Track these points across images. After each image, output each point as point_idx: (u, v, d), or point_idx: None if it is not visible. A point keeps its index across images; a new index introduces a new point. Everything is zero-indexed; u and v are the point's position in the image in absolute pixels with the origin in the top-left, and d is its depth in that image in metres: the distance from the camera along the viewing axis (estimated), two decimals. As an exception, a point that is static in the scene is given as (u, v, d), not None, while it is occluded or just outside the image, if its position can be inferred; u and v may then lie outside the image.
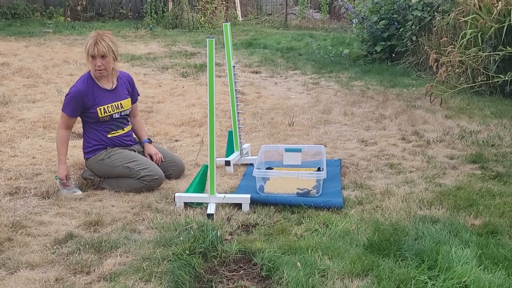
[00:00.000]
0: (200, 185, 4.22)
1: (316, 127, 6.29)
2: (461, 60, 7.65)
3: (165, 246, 3.38)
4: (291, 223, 3.79)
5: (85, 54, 4.38)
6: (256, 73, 9.73)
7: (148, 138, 4.86)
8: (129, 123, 4.72)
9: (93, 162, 4.50)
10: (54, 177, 4.50)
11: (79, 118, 4.56)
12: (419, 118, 6.60)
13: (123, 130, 4.62)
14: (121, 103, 4.56)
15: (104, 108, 4.45)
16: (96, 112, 4.42)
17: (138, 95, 4.89)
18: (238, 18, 17.23)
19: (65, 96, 4.43)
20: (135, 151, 4.64)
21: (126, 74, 4.77)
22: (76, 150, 5.27)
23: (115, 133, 4.56)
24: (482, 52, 7.46)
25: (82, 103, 4.38)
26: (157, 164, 4.56)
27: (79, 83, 4.43)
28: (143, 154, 4.70)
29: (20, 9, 16.29)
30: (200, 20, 15.61)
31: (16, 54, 10.55)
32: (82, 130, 4.66)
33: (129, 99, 4.68)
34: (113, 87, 4.55)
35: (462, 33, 7.74)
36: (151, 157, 4.67)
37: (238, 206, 4.04)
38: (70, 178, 4.44)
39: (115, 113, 4.52)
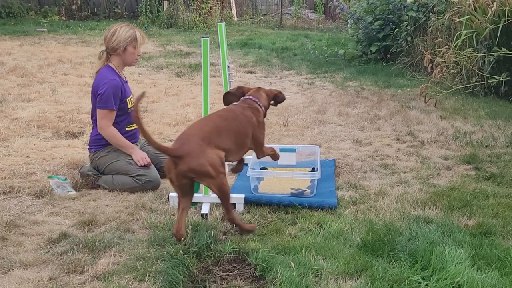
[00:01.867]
0: (194, 185, 4.21)
1: (310, 127, 6.29)
2: (456, 61, 7.67)
3: (159, 246, 3.38)
4: (285, 223, 3.79)
5: (124, 45, 4.46)
6: (251, 73, 9.74)
7: None
8: None
9: (100, 154, 4.51)
10: (47, 177, 4.49)
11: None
12: (413, 118, 6.61)
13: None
14: (133, 95, 4.67)
15: (130, 99, 4.55)
16: (126, 103, 4.51)
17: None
18: (233, 18, 17.23)
19: (100, 94, 4.38)
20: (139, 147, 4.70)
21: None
22: (70, 149, 5.26)
23: (132, 126, 4.61)
24: (477, 53, 7.48)
25: (120, 94, 4.45)
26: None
27: (111, 75, 4.46)
28: (143, 145, 4.74)
29: (14, 8, 16.25)
30: (195, 20, 15.61)
31: (10, 53, 10.52)
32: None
33: None
34: (126, 79, 4.68)
35: (457, 34, 7.76)
36: None
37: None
38: (66, 179, 4.43)
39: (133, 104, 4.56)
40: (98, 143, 4.53)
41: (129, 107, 4.52)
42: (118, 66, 4.57)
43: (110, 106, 4.40)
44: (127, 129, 4.59)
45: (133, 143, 4.61)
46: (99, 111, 4.43)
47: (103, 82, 4.41)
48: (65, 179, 4.44)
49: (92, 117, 4.63)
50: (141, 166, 4.42)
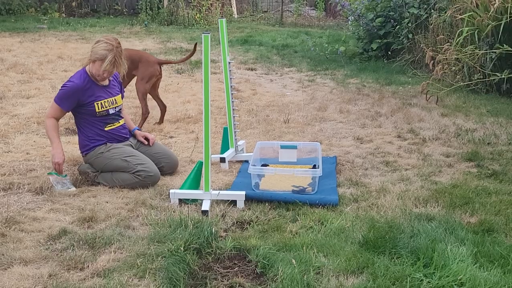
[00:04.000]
0: (195, 182, 4.20)
1: (311, 124, 6.27)
2: (458, 58, 7.64)
3: (160, 243, 3.36)
4: (286, 220, 3.77)
5: (94, 58, 4.38)
6: (252, 70, 9.71)
7: (136, 127, 4.95)
8: (122, 117, 4.74)
9: (92, 156, 4.50)
10: (47, 173, 4.47)
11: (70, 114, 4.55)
12: (415, 116, 6.59)
13: (119, 122, 4.66)
14: (115, 99, 4.61)
15: (101, 103, 4.47)
16: (93, 107, 4.44)
17: (123, 94, 4.93)
18: (233, 15, 17.20)
19: (61, 89, 4.44)
20: (133, 147, 4.66)
21: (115, 73, 4.77)
22: (70, 146, 5.24)
23: (112, 125, 4.58)
24: (479, 50, 7.45)
25: (78, 98, 4.40)
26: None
27: (76, 78, 4.44)
28: (138, 147, 4.72)
29: (14, 4, 16.21)
30: (196, 17, 15.57)
31: (10, 49, 10.49)
32: (75, 127, 4.62)
33: (120, 95, 4.73)
34: (107, 84, 4.60)
35: (458, 31, 7.73)
36: (147, 140, 4.76)
37: (233, 203, 4.02)
38: (66, 176, 4.41)
39: (111, 108, 4.55)
40: (87, 146, 4.52)
41: (97, 111, 4.46)
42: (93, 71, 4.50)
43: (61, 104, 4.42)
44: (106, 129, 4.54)
45: (119, 141, 4.60)
46: (52, 102, 4.46)
47: (68, 80, 4.47)
48: (65, 175, 4.42)
49: (75, 122, 4.65)
50: (136, 161, 4.39)
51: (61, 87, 4.45)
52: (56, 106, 4.43)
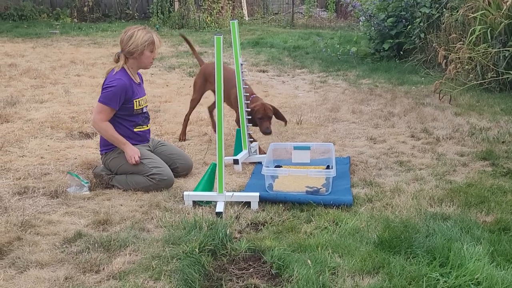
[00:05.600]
0: (208, 184, 4.20)
1: (324, 125, 6.26)
2: (470, 57, 7.60)
3: (174, 245, 3.37)
4: (301, 221, 3.76)
5: (140, 49, 4.42)
6: (263, 72, 9.71)
7: None
8: (149, 121, 4.81)
9: (111, 156, 4.51)
10: (67, 172, 4.52)
11: None
12: (428, 115, 6.55)
13: (147, 126, 4.72)
14: (146, 98, 4.69)
15: (139, 101, 4.53)
16: (133, 105, 4.49)
17: None
18: (244, 18, 17.22)
19: (105, 90, 4.40)
20: (150, 149, 4.69)
21: (140, 74, 4.80)
22: (84, 149, 5.27)
23: (141, 127, 4.62)
24: (492, 49, 7.41)
25: (125, 95, 4.42)
26: None
27: (121, 75, 4.44)
28: (155, 147, 4.76)
29: (27, 10, 16.35)
30: (207, 20, 15.61)
31: (23, 55, 10.58)
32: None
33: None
34: (139, 82, 4.67)
35: (471, 30, 7.70)
36: None
37: (247, 204, 4.02)
38: (88, 183, 4.41)
39: (144, 106, 4.62)
40: (109, 145, 4.52)
41: (135, 108, 4.51)
42: (131, 68, 4.56)
43: (110, 104, 4.39)
44: (135, 130, 4.58)
45: (143, 145, 4.61)
46: (99, 104, 4.40)
47: (113, 79, 4.41)
48: (87, 182, 4.41)
49: None
50: (151, 164, 4.40)
51: (105, 88, 4.41)
52: (106, 107, 4.38)
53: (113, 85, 4.38)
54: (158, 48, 4.55)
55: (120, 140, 4.44)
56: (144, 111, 4.63)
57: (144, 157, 4.47)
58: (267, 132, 5.01)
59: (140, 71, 4.72)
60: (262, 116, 5.00)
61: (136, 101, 4.50)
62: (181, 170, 4.68)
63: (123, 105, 4.45)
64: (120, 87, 4.38)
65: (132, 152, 4.42)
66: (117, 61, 4.55)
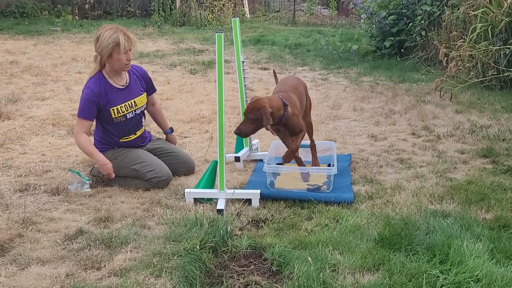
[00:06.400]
0: (209, 181, 4.21)
1: (325, 122, 6.27)
2: (471, 55, 7.60)
3: (175, 242, 3.38)
4: (301, 218, 3.77)
5: (109, 51, 4.14)
6: (265, 69, 9.71)
7: (171, 128, 4.92)
8: (143, 125, 4.62)
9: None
10: (68, 169, 4.51)
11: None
12: (429, 113, 6.56)
13: (135, 134, 4.51)
14: (134, 101, 4.44)
15: (117, 109, 4.32)
16: (109, 113, 4.29)
17: (155, 90, 4.80)
18: (245, 15, 17.21)
19: (80, 101, 4.27)
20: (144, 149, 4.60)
21: (140, 70, 4.64)
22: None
23: (127, 138, 4.47)
24: (493, 46, 7.41)
25: (97, 103, 4.22)
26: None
27: (91, 83, 4.26)
28: (157, 148, 4.66)
29: (28, 8, 16.34)
30: (208, 17, 15.60)
31: (24, 52, 10.58)
32: (93, 127, 4.54)
33: (144, 95, 4.55)
34: (126, 84, 4.41)
35: (472, 27, 7.68)
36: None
37: (248, 201, 4.03)
38: (89, 180, 4.40)
39: (128, 112, 4.39)
40: (99, 146, 4.41)
41: (113, 117, 4.32)
42: (109, 71, 4.33)
43: (82, 115, 4.22)
44: (121, 141, 4.44)
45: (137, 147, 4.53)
46: (77, 118, 4.28)
47: (84, 88, 4.26)
48: (89, 179, 4.41)
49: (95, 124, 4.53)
50: (145, 169, 4.31)
51: (80, 97, 4.27)
52: (80, 119, 4.24)
53: (81, 96, 4.24)
54: (126, 49, 4.18)
55: (92, 152, 4.26)
56: (129, 117, 4.40)
57: (134, 162, 4.36)
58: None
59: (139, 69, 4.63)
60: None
61: (112, 110, 4.30)
62: (184, 174, 4.67)
63: (99, 114, 4.29)
64: (85, 98, 4.21)
65: (101, 165, 4.23)
66: (96, 62, 4.33)
